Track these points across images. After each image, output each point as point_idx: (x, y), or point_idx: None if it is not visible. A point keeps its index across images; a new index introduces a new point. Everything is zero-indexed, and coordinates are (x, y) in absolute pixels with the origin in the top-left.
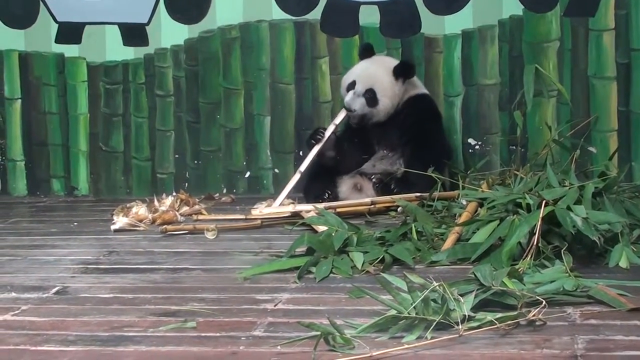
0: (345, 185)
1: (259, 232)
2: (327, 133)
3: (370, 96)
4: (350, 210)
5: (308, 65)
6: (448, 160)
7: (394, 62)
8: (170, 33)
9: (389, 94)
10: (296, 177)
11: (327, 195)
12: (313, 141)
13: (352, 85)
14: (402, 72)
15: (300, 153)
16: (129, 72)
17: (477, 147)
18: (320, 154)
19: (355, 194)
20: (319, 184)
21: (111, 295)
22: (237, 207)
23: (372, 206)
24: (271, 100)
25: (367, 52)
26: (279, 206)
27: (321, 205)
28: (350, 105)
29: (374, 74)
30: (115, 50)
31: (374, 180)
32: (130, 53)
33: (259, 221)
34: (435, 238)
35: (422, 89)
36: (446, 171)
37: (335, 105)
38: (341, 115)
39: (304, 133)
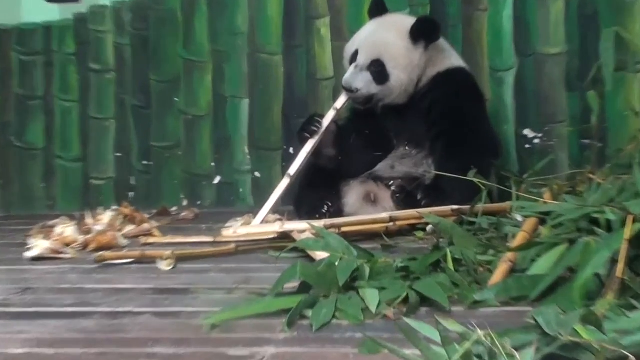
0: (352, 194)
1: (233, 261)
2: (326, 122)
3: (377, 69)
4: (360, 230)
5: (301, 29)
6: (495, 160)
7: (410, 20)
8: None
9: (404, 64)
10: (284, 184)
11: (326, 208)
12: (307, 134)
13: (355, 57)
14: (422, 32)
15: (291, 150)
16: (52, 38)
17: (536, 141)
18: (317, 152)
19: (366, 206)
20: (315, 194)
21: (24, 350)
22: (202, 225)
23: (391, 224)
24: (250, 77)
25: (377, 10)
26: (260, 224)
27: (320, 223)
28: (350, 84)
29: (382, 38)
30: (34, 8)
31: (393, 187)
32: (54, 12)
33: (232, 245)
34: (480, 268)
35: (456, 60)
36: (493, 175)
37: (338, 84)
38: (344, 98)
39: (295, 123)
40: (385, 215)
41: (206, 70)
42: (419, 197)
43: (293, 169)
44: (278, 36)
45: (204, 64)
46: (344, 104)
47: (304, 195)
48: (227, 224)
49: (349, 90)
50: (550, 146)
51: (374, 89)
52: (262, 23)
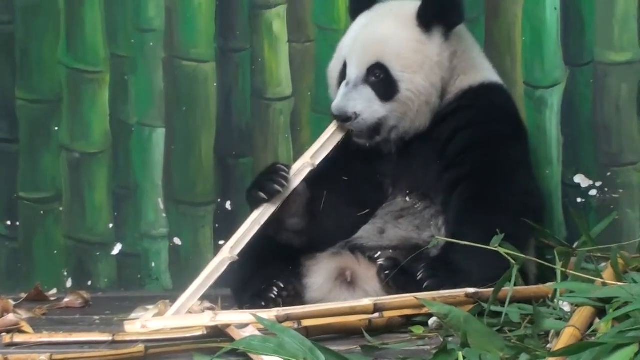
0: (320, 272)
1: None
2: (296, 180)
3: (379, 78)
4: (331, 324)
5: (244, 24)
6: (538, 221)
7: (413, 4)
8: None
9: (417, 62)
10: (221, 266)
11: (277, 291)
12: (263, 194)
13: (344, 72)
14: (436, 13)
15: (227, 206)
16: None
17: (592, 192)
18: (276, 222)
19: (339, 289)
20: (263, 272)
21: None
22: (94, 317)
23: (377, 315)
24: (167, 95)
25: (361, 3)
26: (181, 316)
27: (270, 314)
28: (344, 109)
29: (378, 32)
30: None
31: (380, 261)
32: None
33: (140, 347)
34: None
35: (490, 73)
36: (532, 245)
37: (299, 106)
38: (324, 139)
39: (234, 164)
40: (367, 302)
41: (101, 85)
42: (419, 275)
43: (237, 247)
44: (209, 34)
45: (97, 76)
46: (327, 154)
47: (247, 273)
48: (133, 315)
49: (344, 120)
50: (614, 200)
51: (380, 109)
52: (184, 14)
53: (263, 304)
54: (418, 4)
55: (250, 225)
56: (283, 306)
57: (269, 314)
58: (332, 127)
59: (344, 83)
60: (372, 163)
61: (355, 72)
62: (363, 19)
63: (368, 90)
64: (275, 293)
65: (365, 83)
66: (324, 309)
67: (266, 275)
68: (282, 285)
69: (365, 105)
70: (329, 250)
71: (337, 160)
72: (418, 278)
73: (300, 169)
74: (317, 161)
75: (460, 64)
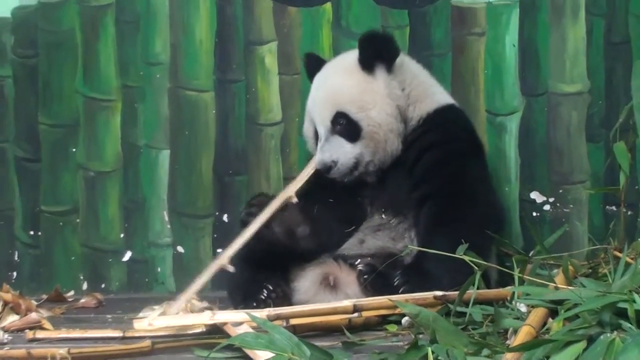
0: (306, 277)
1: None
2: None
3: (343, 124)
4: (315, 322)
5: (239, 58)
6: (498, 232)
7: (353, 54)
8: None
9: (369, 101)
10: (213, 269)
11: (266, 293)
12: (250, 216)
13: (316, 132)
14: (372, 54)
15: (224, 218)
16: None
17: (546, 207)
18: (288, 232)
19: (324, 293)
20: (255, 276)
21: None
22: (107, 315)
23: (356, 315)
24: (172, 120)
25: (315, 65)
26: (184, 315)
27: (262, 314)
28: (325, 161)
29: (330, 86)
30: None
31: (359, 267)
32: None
33: (147, 342)
34: None
35: (442, 95)
36: (493, 252)
37: (288, 130)
38: (304, 176)
39: (230, 181)
40: (348, 303)
41: (113, 112)
42: (395, 280)
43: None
44: (208, 67)
45: (110, 104)
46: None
47: (241, 277)
48: (141, 314)
49: (327, 170)
50: (565, 214)
51: (352, 150)
52: (187, 50)
53: (254, 304)
54: (357, 52)
55: (240, 239)
56: (273, 307)
57: (262, 313)
58: (311, 165)
59: (319, 140)
60: (353, 187)
61: (322, 128)
62: (316, 80)
63: (337, 138)
64: (265, 295)
65: (333, 133)
66: (309, 309)
67: (257, 279)
68: (271, 288)
69: (339, 152)
70: (316, 261)
71: (324, 185)
72: (395, 284)
73: (285, 194)
74: (295, 198)
75: (414, 91)
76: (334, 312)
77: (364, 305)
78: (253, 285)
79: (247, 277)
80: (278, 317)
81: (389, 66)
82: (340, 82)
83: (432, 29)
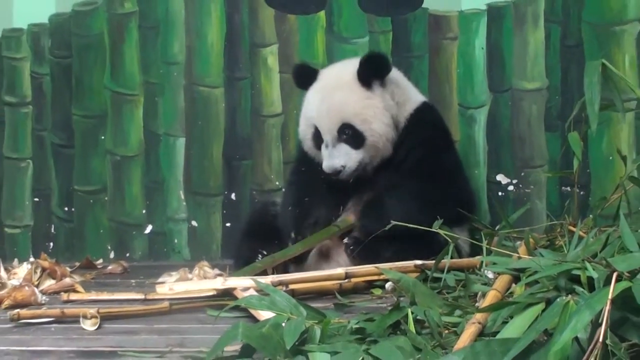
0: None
1: (167, 321)
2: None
3: (349, 134)
4: (311, 287)
5: (245, 58)
6: (469, 210)
7: (351, 66)
8: (27, 5)
9: (372, 114)
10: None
11: (260, 259)
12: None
13: (317, 136)
14: (370, 72)
15: (232, 196)
16: None
17: (510, 188)
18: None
19: (319, 261)
20: (253, 245)
21: None
22: (131, 280)
23: (346, 280)
24: (187, 112)
25: (306, 75)
26: (199, 280)
27: (267, 280)
28: (334, 166)
29: (336, 100)
30: None
31: (346, 240)
32: None
33: (166, 303)
34: (445, 331)
35: (415, 94)
36: (465, 227)
37: (287, 121)
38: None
39: (237, 164)
40: (340, 271)
41: (137, 105)
42: (381, 249)
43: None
44: (219, 66)
45: (134, 98)
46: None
47: (242, 247)
48: (160, 279)
49: (337, 174)
50: (527, 194)
51: (356, 156)
52: (200, 51)
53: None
54: (352, 65)
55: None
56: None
57: (266, 279)
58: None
59: (323, 145)
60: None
61: (329, 136)
62: (318, 92)
63: (343, 146)
64: (259, 259)
65: (339, 141)
66: (307, 276)
67: (253, 247)
68: (265, 253)
69: (346, 158)
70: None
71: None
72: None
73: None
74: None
75: (400, 98)
76: (329, 278)
77: (354, 273)
78: (251, 252)
79: (247, 246)
80: (281, 283)
81: (383, 81)
82: (345, 97)
83: (412, 34)
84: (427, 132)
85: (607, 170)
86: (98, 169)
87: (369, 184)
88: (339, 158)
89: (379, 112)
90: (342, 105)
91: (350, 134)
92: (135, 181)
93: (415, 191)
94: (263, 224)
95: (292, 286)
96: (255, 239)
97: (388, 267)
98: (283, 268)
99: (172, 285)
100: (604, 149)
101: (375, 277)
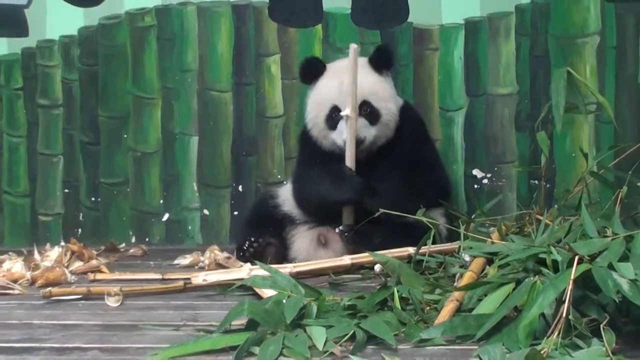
0: (304, 237)
1: (182, 298)
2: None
3: (367, 111)
4: (308, 270)
5: (251, 66)
6: (448, 200)
7: (361, 59)
8: (59, 19)
9: (386, 95)
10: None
11: (247, 244)
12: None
13: (331, 116)
14: (382, 61)
15: (240, 188)
16: (0, 72)
17: (485, 181)
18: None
19: (317, 249)
20: (250, 233)
21: None
22: (150, 262)
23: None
24: (199, 114)
25: (313, 67)
26: (228, 270)
27: (285, 270)
28: (359, 136)
29: (358, 81)
30: None
31: (340, 227)
32: (2, 47)
33: (180, 283)
34: (427, 307)
35: (398, 97)
36: (444, 214)
37: (288, 122)
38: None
39: (244, 160)
40: (348, 261)
41: (155, 107)
42: (374, 237)
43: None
44: (228, 74)
45: (153, 101)
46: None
47: (242, 234)
48: (176, 261)
49: (361, 142)
50: (499, 186)
51: (372, 131)
52: (212, 60)
53: (241, 254)
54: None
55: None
56: (252, 255)
57: (284, 270)
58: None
59: (342, 121)
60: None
61: (350, 109)
62: (335, 77)
63: (363, 120)
64: (246, 245)
65: (359, 116)
66: (319, 267)
67: (246, 234)
68: (252, 240)
69: (365, 131)
70: (306, 225)
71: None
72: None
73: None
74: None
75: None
76: (337, 268)
77: (358, 260)
78: (244, 240)
79: (245, 234)
80: (298, 273)
81: (388, 71)
82: (362, 78)
83: (398, 45)
84: (413, 126)
85: (570, 166)
86: (121, 164)
87: (365, 172)
88: (359, 131)
89: (391, 95)
90: (364, 84)
91: (367, 111)
92: (154, 174)
93: (404, 179)
94: (269, 215)
95: (295, 269)
96: (256, 230)
97: (382, 254)
98: (283, 256)
99: (205, 277)
100: (567, 147)
101: (370, 261)
